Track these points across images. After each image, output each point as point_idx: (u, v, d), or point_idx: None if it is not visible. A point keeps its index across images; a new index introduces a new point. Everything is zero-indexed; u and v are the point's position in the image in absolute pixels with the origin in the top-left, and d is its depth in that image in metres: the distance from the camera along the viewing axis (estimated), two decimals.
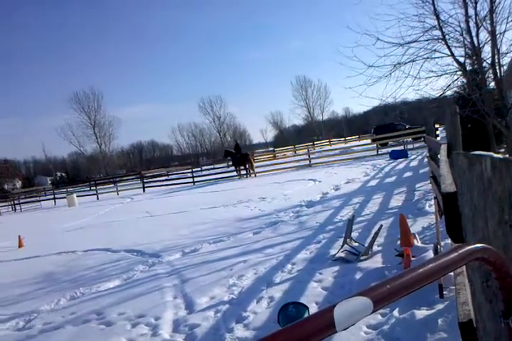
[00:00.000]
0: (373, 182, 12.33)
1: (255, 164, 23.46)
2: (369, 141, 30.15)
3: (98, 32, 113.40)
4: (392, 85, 10.13)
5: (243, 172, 23.03)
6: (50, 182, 71.78)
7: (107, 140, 66.49)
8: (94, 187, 29.19)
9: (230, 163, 23.41)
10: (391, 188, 10.34)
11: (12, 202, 31.20)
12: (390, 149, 21.81)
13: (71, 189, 35.42)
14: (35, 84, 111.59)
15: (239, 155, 22.60)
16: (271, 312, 4.00)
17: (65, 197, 25.62)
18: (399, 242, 5.26)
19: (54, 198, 29.50)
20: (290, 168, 22.93)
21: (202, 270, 5.81)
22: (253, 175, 22.58)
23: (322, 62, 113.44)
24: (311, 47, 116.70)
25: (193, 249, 7.18)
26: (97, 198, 25.91)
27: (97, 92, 67.10)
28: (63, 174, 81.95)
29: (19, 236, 10.90)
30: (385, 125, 31.44)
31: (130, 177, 33.94)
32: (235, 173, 23.58)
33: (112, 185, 30.59)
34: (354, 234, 6.04)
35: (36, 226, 15.75)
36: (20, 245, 10.71)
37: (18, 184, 74.40)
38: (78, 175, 71.64)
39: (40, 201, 30.67)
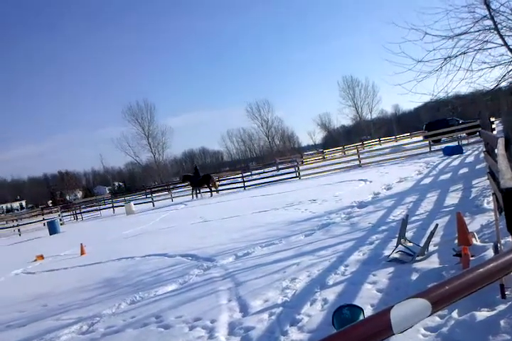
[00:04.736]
0: (427, 180, 11.93)
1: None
2: (421, 138, 29.10)
3: (147, 43, 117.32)
4: (443, 79, 9.85)
5: (205, 190, 24.64)
6: (108, 191, 75.05)
7: (160, 149, 68.51)
8: (150, 195, 30.17)
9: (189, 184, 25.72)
10: (446, 186, 9.96)
11: (74, 212, 32.86)
12: (443, 145, 21.00)
13: (128, 197, 36.77)
14: (91, 99, 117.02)
15: (201, 177, 24.28)
16: (325, 314, 3.98)
17: (123, 206, 26.64)
18: (456, 241, 5.07)
19: (113, 206, 30.75)
20: (340, 168, 22.62)
21: (255, 273, 5.86)
22: (215, 192, 24.41)
23: (368, 60, 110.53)
24: (355, 45, 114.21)
25: (246, 252, 7.26)
26: (153, 205, 26.73)
27: (150, 103, 69.36)
28: (120, 183, 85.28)
29: (81, 244, 11.45)
30: (437, 121, 30.24)
31: (183, 184, 34.72)
32: (284, 176, 23.67)
33: (167, 192, 31.44)
34: (408, 234, 5.87)
35: (97, 234, 16.49)
36: (82, 253, 11.24)
37: (79, 194, 78.39)
38: (134, 184, 74.17)
39: (100, 210, 32.04)
